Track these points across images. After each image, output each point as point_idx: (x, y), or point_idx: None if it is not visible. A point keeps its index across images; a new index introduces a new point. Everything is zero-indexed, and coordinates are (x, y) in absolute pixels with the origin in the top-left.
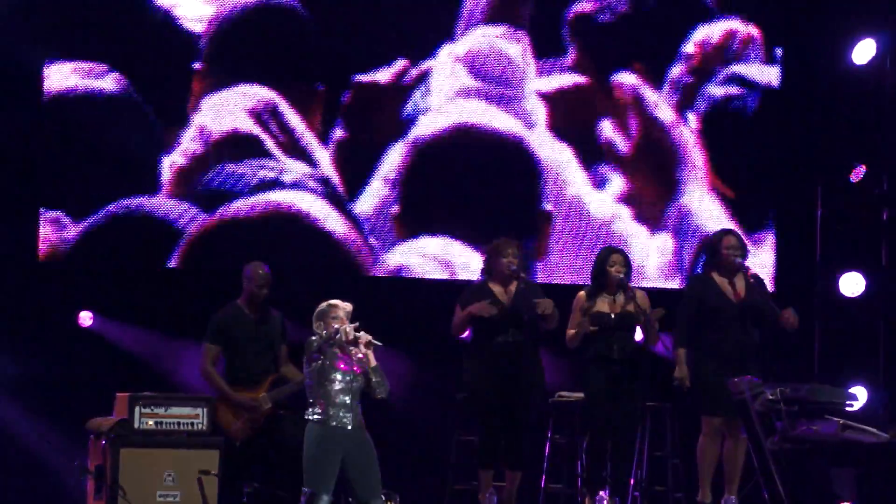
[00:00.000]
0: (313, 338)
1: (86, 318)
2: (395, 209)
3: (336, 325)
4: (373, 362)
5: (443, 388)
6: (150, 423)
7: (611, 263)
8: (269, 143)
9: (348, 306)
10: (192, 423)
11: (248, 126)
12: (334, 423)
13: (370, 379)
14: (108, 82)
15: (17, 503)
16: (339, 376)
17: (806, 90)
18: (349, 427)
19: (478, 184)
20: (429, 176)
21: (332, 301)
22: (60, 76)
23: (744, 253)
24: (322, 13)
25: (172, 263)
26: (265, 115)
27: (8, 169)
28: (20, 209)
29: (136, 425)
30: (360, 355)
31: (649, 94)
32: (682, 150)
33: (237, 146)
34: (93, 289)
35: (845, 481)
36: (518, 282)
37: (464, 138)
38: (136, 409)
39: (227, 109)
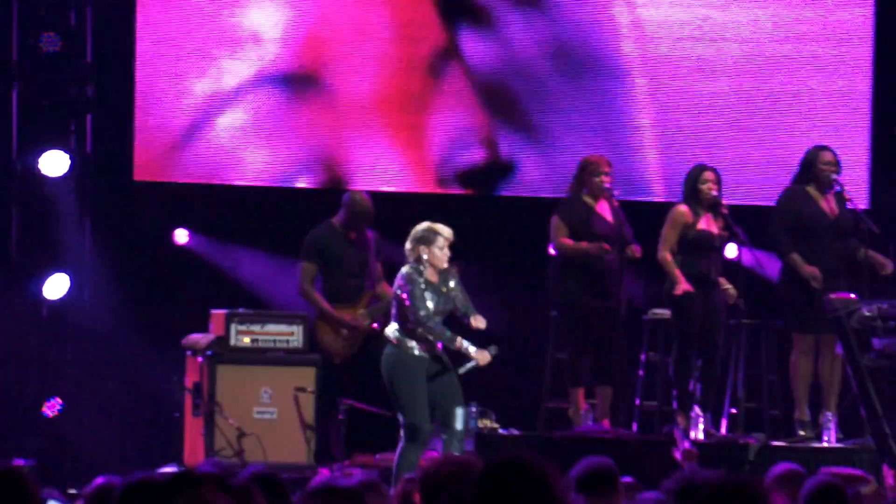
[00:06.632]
0: (408, 270)
1: (181, 235)
2: None
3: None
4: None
5: (534, 304)
6: (246, 340)
7: (702, 181)
8: None
9: (449, 237)
10: (288, 341)
11: None
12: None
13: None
14: None
15: (117, 421)
16: (430, 303)
17: None
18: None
19: None
20: None
21: (434, 226)
22: None
23: (839, 170)
24: None
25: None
26: None
27: None
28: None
29: (232, 342)
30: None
31: None
32: None
33: None
34: (188, 207)
35: None
36: (609, 200)
37: None
38: (232, 326)
39: None
